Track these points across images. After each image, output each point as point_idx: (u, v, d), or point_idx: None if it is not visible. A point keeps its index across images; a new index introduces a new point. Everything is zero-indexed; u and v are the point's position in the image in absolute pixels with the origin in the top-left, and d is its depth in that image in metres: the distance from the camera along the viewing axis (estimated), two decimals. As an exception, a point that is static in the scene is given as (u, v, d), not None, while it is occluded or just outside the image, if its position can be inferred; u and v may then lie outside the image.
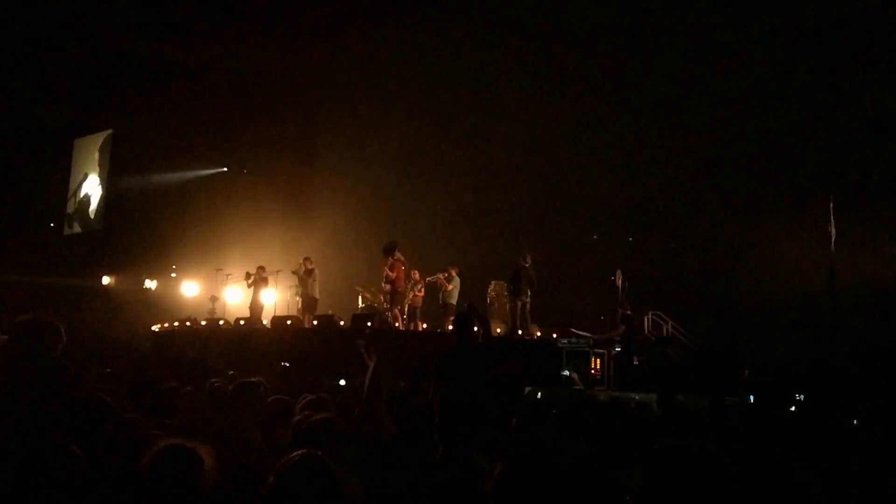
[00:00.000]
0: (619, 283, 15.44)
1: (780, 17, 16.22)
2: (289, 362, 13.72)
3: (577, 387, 11.73)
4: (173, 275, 23.14)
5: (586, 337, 13.79)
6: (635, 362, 13.81)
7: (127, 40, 20.17)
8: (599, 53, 18.89)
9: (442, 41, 20.98)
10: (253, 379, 5.31)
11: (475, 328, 6.82)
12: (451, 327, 12.72)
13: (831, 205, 14.61)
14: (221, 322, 17.44)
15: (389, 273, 15.21)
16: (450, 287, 15.89)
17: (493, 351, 7.09)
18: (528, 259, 15.01)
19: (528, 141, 19.93)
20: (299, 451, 2.60)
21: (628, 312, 14.33)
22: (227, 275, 19.51)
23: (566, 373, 12.34)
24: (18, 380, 3.85)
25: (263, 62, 21.64)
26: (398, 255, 15.26)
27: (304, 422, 4.12)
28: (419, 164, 21.51)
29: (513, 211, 20.23)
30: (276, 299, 18.85)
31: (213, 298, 19.73)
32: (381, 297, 17.34)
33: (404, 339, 13.62)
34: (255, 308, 17.04)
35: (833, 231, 14.42)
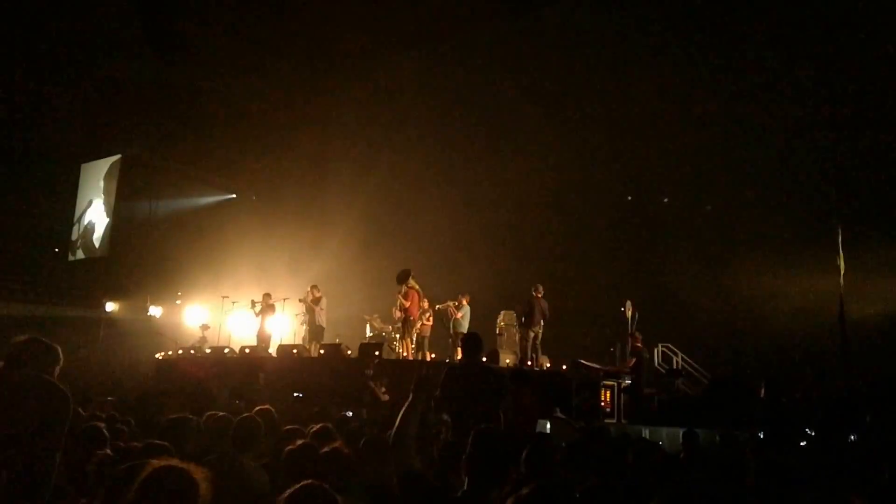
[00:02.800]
0: (629, 314, 15.30)
1: (788, 50, 16.26)
2: (294, 391, 13.60)
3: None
4: (178, 302, 23.08)
5: (596, 369, 13.63)
6: (646, 395, 13.67)
7: (137, 65, 20.29)
8: (611, 86, 18.95)
9: (454, 68, 21.11)
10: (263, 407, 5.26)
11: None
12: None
13: (840, 237, 14.48)
14: (227, 350, 17.31)
15: (404, 301, 15.07)
16: (459, 315, 15.77)
17: (505, 377, 7.08)
18: (541, 290, 14.94)
19: (540, 170, 19.94)
20: (304, 482, 2.56)
21: (638, 345, 14.19)
22: (234, 302, 19.44)
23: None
24: (12, 406, 3.75)
25: (273, 89, 21.73)
26: (412, 283, 15.12)
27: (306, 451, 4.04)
28: (429, 192, 21.52)
29: (523, 240, 20.17)
30: (283, 327, 18.75)
31: (205, 327, 19.61)
32: (391, 326, 17.23)
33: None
34: (262, 336, 16.92)
35: (842, 263, 14.27)
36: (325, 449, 3.99)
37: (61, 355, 4.09)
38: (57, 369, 4.04)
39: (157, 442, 4.40)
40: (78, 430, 4.73)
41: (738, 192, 17.42)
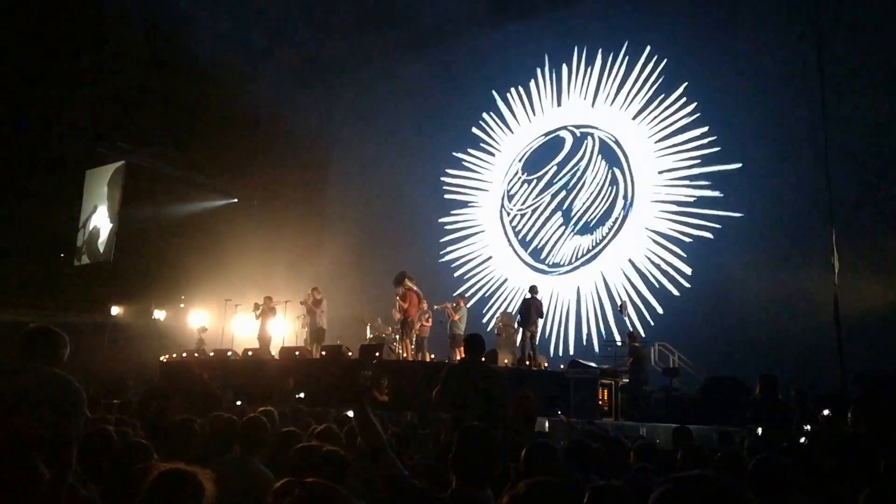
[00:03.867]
0: (627, 313, 15.42)
1: (782, 47, 16.35)
2: (296, 393, 13.72)
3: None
4: (182, 305, 23.22)
5: (593, 368, 13.75)
6: (643, 393, 13.79)
7: (140, 72, 20.42)
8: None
9: (453, 70, 21.20)
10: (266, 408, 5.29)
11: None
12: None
13: (834, 236, 14.57)
14: (230, 353, 17.45)
15: (402, 303, 15.15)
16: (457, 317, 15.88)
17: (505, 377, 7.19)
18: (537, 290, 15.05)
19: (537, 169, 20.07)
20: (308, 480, 2.48)
21: (636, 344, 14.31)
22: (237, 305, 19.56)
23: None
24: (29, 403, 3.60)
25: (273, 94, 21.84)
26: (409, 283, 15.22)
27: (311, 451, 4.10)
28: (430, 195, 21.61)
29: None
30: (285, 329, 18.87)
31: (202, 329, 19.72)
32: (390, 328, 17.35)
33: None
34: (264, 339, 17.06)
35: (836, 262, 14.35)
36: (325, 449, 3.99)
37: (68, 345, 4.08)
38: (65, 357, 4.03)
39: (142, 442, 4.39)
40: (87, 433, 4.74)
41: (731, 188, 17.45)
